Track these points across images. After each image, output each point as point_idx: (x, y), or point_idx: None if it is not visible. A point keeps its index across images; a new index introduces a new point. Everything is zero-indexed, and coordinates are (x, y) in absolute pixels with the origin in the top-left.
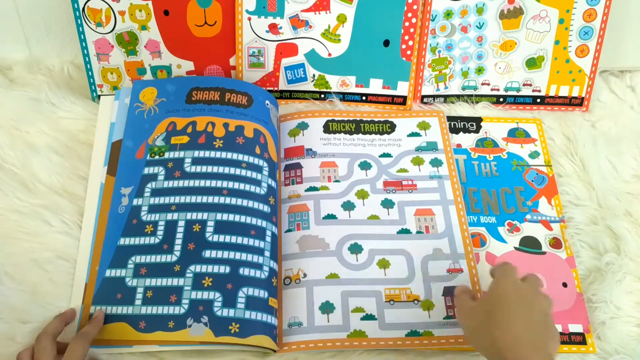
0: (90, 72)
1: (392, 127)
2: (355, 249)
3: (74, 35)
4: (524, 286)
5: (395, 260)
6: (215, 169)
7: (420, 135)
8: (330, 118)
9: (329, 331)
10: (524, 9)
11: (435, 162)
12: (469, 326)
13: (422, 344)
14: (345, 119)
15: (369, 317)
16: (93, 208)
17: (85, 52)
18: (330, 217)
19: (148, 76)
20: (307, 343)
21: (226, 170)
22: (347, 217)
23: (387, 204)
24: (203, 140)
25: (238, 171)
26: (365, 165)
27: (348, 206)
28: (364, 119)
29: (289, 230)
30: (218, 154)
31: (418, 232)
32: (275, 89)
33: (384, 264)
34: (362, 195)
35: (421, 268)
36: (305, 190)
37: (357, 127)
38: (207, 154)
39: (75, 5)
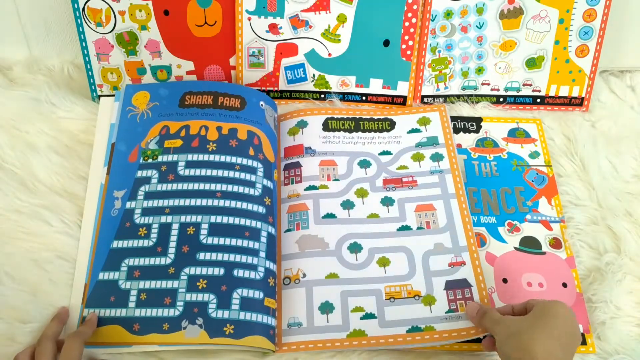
0: (90, 72)
1: (391, 125)
2: (355, 248)
3: (74, 35)
4: (575, 319)
5: (395, 257)
6: (208, 172)
7: (421, 131)
8: (329, 116)
9: (329, 331)
10: (524, 9)
11: (436, 157)
12: (506, 333)
13: (424, 340)
14: (345, 116)
15: (368, 316)
16: (93, 208)
17: (85, 52)
18: (330, 216)
19: (148, 76)
20: (306, 343)
21: (220, 173)
22: (347, 216)
23: (387, 201)
24: (196, 143)
25: (232, 173)
26: (364, 164)
27: (347, 205)
28: (364, 117)
29: (288, 230)
30: (211, 157)
31: (419, 228)
32: (275, 89)
33: (383, 262)
34: (362, 194)
35: (422, 264)
36: (305, 190)
37: (357, 125)
38: (200, 157)
39: (75, 5)
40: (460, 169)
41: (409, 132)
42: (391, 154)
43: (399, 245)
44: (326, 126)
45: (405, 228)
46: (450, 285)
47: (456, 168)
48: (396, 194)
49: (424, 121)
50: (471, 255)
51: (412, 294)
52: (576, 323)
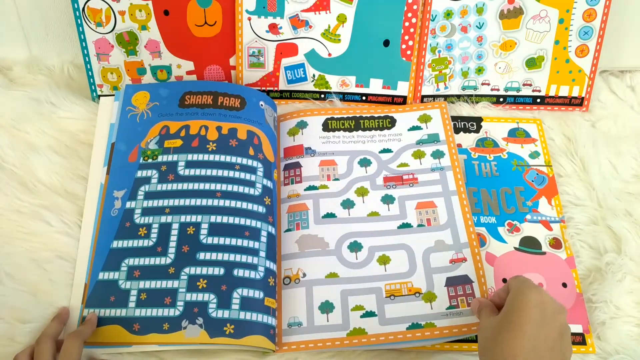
0: (90, 72)
1: (392, 122)
2: (355, 247)
3: (74, 35)
4: (549, 299)
5: (395, 255)
6: (208, 172)
7: (422, 129)
8: (329, 116)
9: (329, 330)
10: (523, 9)
11: (437, 154)
12: (482, 339)
13: (424, 336)
14: (345, 116)
15: (368, 314)
16: (92, 208)
17: (85, 52)
18: (330, 215)
19: (148, 76)
20: (306, 343)
21: (220, 172)
22: (347, 215)
23: (388, 199)
24: (196, 143)
25: (232, 173)
26: (365, 162)
27: (347, 204)
28: (364, 115)
29: (288, 230)
30: (211, 157)
31: (419, 226)
32: (275, 89)
33: (384, 260)
34: (362, 192)
35: (422, 261)
36: (305, 190)
37: (357, 124)
38: (200, 157)
39: (75, 5)
40: (461, 169)
41: (410, 129)
42: (392, 151)
43: (399, 243)
44: (326, 126)
45: (406, 226)
46: (451, 282)
47: (457, 165)
48: (396, 191)
49: (425, 118)
50: (472, 251)
51: (412, 291)
52: (553, 303)
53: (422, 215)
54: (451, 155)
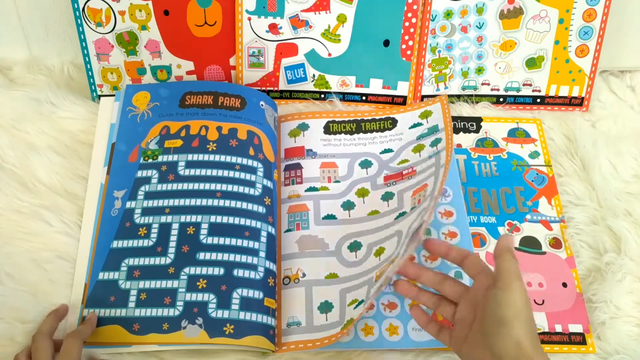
0: (90, 72)
1: (393, 123)
2: (355, 246)
3: (74, 35)
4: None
5: (389, 244)
6: (208, 172)
7: (422, 124)
8: (330, 119)
9: (327, 329)
10: (523, 9)
11: (435, 142)
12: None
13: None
14: (346, 119)
15: (360, 302)
16: (92, 208)
17: (85, 52)
18: (330, 217)
19: (148, 76)
20: (305, 343)
21: (220, 172)
22: (347, 216)
23: (388, 196)
24: (196, 143)
25: (232, 173)
26: (365, 164)
27: (348, 206)
28: (365, 118)
29: (288, 230)
30: (211, 157)
31: (412, 209)
32: (275, 89)
33: (379, 252)
34: (362, 193)
35: (410, 236)
36: (305, 191)
37: (358, 126)
38: (200, 157)
39: (75, 5)
40: (460, 169)
41: (411, 127)
42: (393, 151)
43: (394, 232)
44: (327, 129)
45: (402, 214)
46: None
47: (451, 145)
48: (396, 187)
49: (426, 114)
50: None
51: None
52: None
53: (415, 199)
54: (447, 137)
